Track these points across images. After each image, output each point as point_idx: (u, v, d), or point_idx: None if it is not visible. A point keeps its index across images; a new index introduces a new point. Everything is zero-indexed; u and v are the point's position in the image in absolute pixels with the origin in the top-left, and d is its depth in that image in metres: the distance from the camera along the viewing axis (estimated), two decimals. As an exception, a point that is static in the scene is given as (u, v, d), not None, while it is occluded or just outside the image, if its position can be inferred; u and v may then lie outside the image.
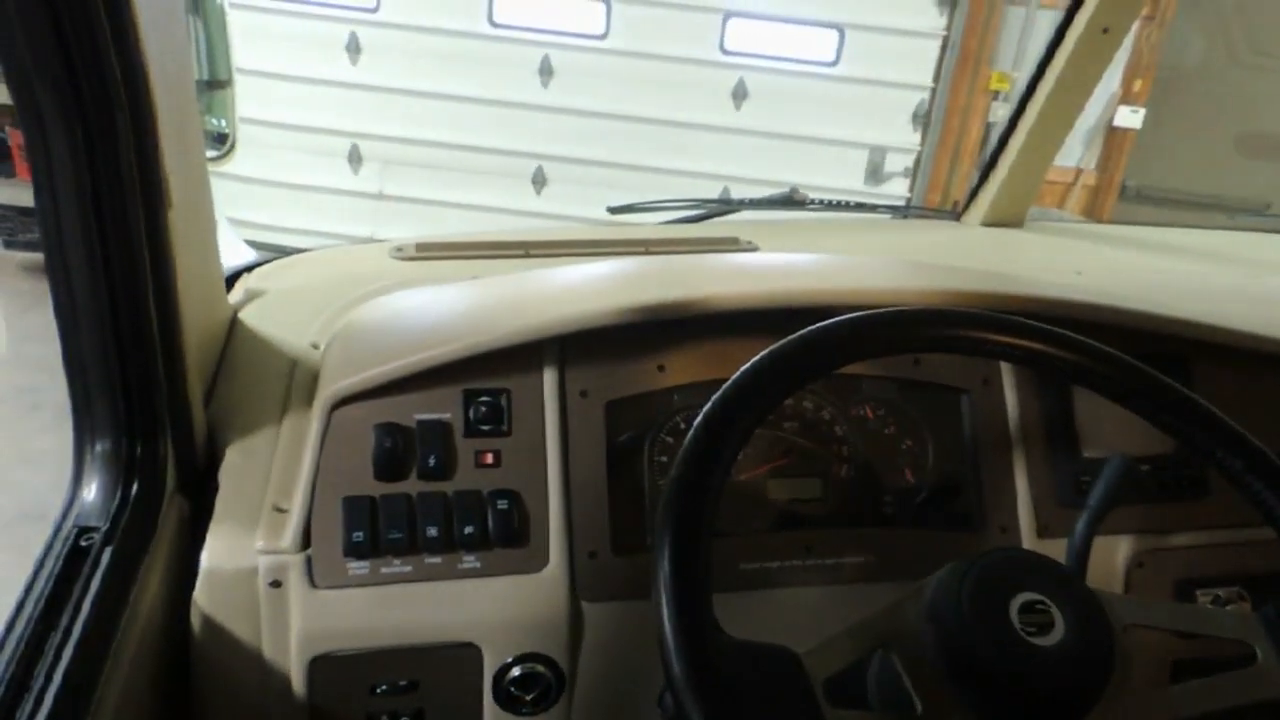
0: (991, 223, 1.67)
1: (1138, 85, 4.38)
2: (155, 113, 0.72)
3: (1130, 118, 4.43)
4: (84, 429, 0.82)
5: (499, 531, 0.88)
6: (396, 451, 0.88)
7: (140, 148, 0.72)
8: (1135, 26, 3.99)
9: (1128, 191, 4.65)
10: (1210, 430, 0.77)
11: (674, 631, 0.62)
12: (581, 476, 0.92)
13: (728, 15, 4.12)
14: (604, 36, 4.15)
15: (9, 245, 4.27)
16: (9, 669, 0.66)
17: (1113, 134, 4.51)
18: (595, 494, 0.91)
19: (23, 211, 4.20)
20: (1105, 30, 1.38)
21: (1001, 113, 4.30)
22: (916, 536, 0.97)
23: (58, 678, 0.66)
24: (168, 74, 0.75)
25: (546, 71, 4.20)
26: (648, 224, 1.66)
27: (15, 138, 4.11)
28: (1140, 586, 1.01)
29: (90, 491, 0.82)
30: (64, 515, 0.81)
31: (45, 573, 0.75)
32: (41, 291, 0.75)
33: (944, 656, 0.68)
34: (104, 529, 0.79)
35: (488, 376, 0.92)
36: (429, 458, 0.89)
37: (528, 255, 1.31)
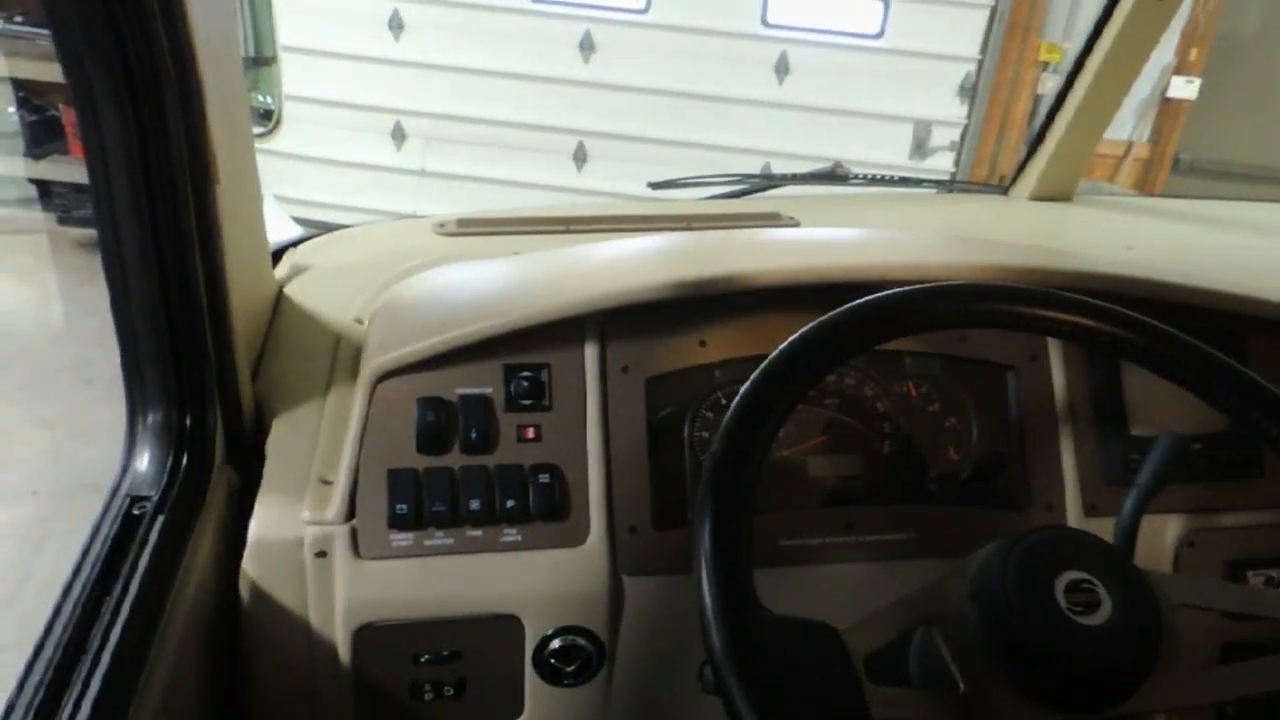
0: (1039, 197, 1.64)
1: (1193, 54, 4.26)
2: (203, 90, 0.73)
3: (1185, 88, 4.32)
4: (136, 401, 0.84)
5: (540, 505, 0.89)
6: (439, 425, 0.89)
7: (188, 125, 0.73)
8: (1192, -6, 3.89)
9: (1181, 164, 4.54)
10: (1265, 407, 0.75)
11: (714, 606, 0.63)
12: (622, 451, 0.92)
13: (770, -13, 4.07)
14: (645, 11, 4.12)
15: (63, 221, 4.35)
16: (67, 631, 0.68)
17: (1166, 105, 4.40)
18: (636, 469, 0.92)
19: (76, 189, 4.28)
20: (1160, -2, 1.34)
21: (1050, 84, 4.21)
22: (959, 514, 0.96)
23: (113, 640, 0.68)
24: (215, 51, 0.76)
25: (588, 47, 4.18)
26: (689, 200, 1.65)
27: (69, 115, 4.19)
28: (1190, 566, 0.99)
29: (142, 462, 0.84)
30: (117, 485, 0.83)
31: (100, 540, 0.77)
32: (96, 267, 0.76)
33: (988, 635, 0.67)
34: (155, 499, 0.81)
35: (529, 351, 0.93)
36: (471, 431, 0.90)
37: (569, 231, 1.31)
